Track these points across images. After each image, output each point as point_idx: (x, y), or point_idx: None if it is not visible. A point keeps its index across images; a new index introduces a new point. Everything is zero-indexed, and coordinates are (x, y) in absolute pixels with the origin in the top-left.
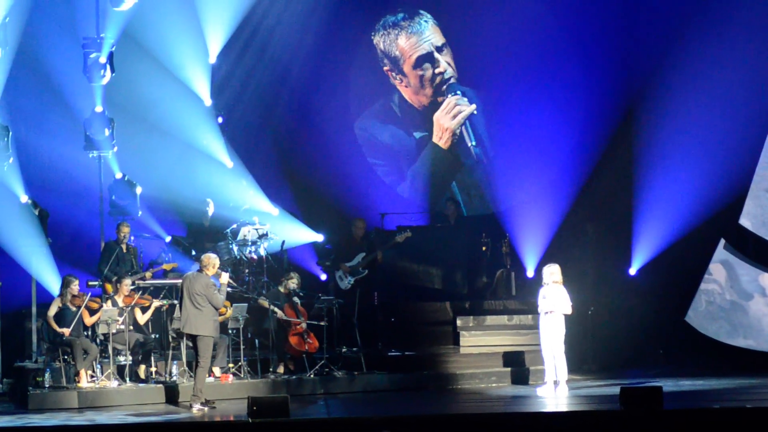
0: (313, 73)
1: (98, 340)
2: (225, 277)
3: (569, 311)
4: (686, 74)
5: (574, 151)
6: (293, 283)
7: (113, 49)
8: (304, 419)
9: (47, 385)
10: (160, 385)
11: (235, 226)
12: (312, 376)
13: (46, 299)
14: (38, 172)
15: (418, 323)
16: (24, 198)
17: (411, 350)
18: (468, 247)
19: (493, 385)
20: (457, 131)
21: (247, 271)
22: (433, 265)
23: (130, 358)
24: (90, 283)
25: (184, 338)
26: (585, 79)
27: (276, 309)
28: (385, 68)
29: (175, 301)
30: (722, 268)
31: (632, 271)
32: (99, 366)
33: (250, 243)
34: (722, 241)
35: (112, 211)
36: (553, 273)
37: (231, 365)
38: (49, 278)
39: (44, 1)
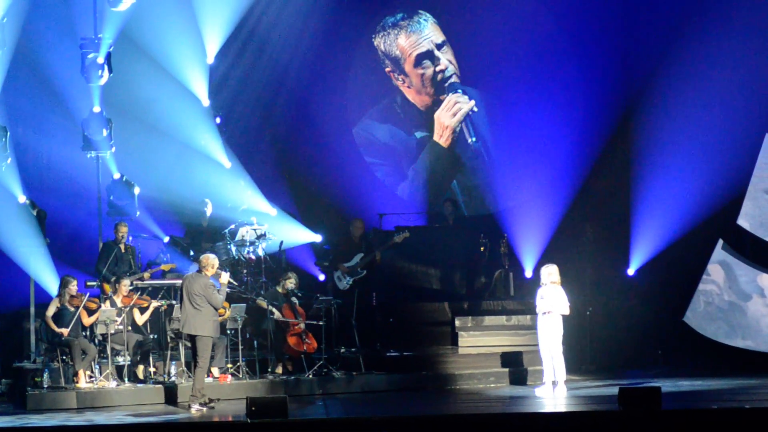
0: (311, 73)
1: (96, 341)
2: (225, 277)
3: (567, 312)
4: (685, 75)
5: (573, 151)
6: (291, 283)
7: (111, 49)
8: (302, 420)
9: (46, 386)
10: (159, 386)
11: (233, 226)
12: (310, 376)
13: (44, 299)
14: (36, 172)
15: (416, 324)
16: (22, 198)
17: (409, 351)
18: (466, 247)
19: (492, 385)
20: (457, 129)
21: (245, 271)
22: (431, 265)
23: (129, 358)
24: (88, 283)
25: (183, 338)
26: (584, 80)
27: (274, 309)
28: (387, 69)
29: (174, 302)
30: (720, 268)
31: (630, 271)
32: (97, 366)
33: (248, 243)
34: (720, 242)
35: (110, 211)
36: (551, 273)
37: (229, 366)
38: (48, 278)
39: (42, 2)
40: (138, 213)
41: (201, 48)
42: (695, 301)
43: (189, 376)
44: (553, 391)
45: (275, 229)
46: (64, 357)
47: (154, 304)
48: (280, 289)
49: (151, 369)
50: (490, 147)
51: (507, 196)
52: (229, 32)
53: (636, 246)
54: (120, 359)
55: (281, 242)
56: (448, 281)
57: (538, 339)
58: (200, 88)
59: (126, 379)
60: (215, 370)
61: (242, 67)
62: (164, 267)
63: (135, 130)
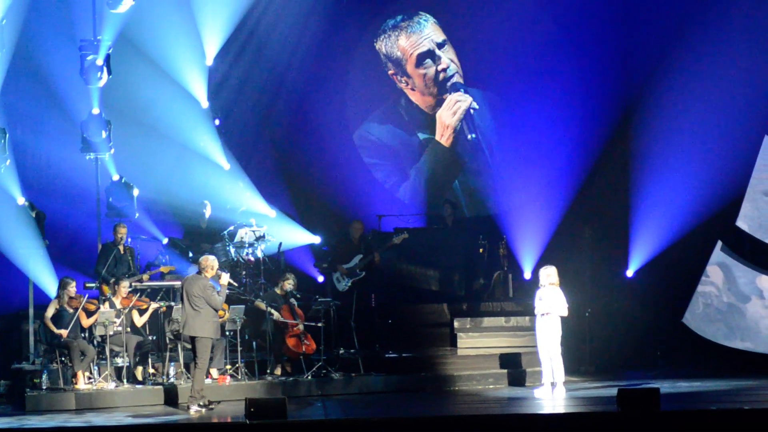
0: (310, 75)
1: (95, 342)
2: (225, 279)
3: (565, 313)
4: (684, 76)
5: (572, 152)
6: (289, 284)
7: (110, 51)
8: (301, 421)
9: (44, 387)
10: (158, 387)
11: (232, 228)
12: (309, 377)
13: (43, 301)
14: (35, 174)
15: (415, 325)
16: (21, 200)
17: (408, 352)
18: (465, 249)
19: (490, 386)
20: (458, 127)
21: (244, 273)
22: (430, 267)
23: (129, 360)
24: (87, 284)
25: (182, 340)
26: (583, 80)
27: (273, 311)
28: (390, 72)
29: (173, 303)
30: (719, 270)
31: (629, 273)
32: (96, 368)
33: (247, 245)
34: (719, 243)
35: (109, 213)
36: (549, 275)
37: (228, 367)
38: (47, 280)
39: (41, 4)
40: (137, 214)
41: (200, 50)
42: (694, 303)
43: (188, 378)
44: (552, 392)
45: (274, 230)
46: (63, 358)
47: (154, 306)
48: (278, 291)
49: (150, 370)
50: (493, 147)
51: (506, 197)
52: (228, 34)
53: (635, 247)
54: (119, 360)
55: (280, 244)
56: (447, 283)
57: (537, 340)
58: (199, 90)
59: (125, 381)
60: (214, 372)
61: (241, 69)
62: (163, 269)
63: (134, 132)
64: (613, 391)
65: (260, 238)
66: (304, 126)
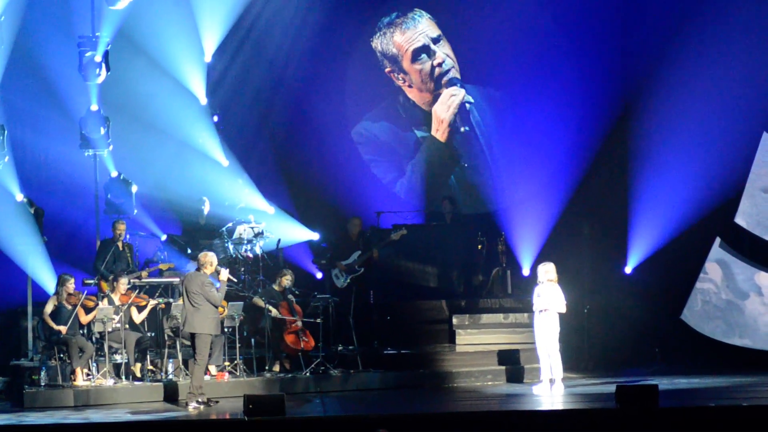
0: (309, 71)
1: (94, 339)
2: (225, 274)
3: (563, 310)
4: (682, 73)
5: (570, 149)
6: (287, 280)
7: (109, 47)
8: (299, 417)
9: (43, 384)
10: (156, 383)
11: (230, 224)
12: (308, 374)
13: (41, 298)
14: (34, 170)
15: (413, 321)
16: (19, 196)
17: (407, 348)
18: (464, 245)
19: (489, 383)
20: (452, 121)
21: (242, 269)
22: (429, 263)
23: (127, 356)
24: (86, 281)
25: (180, 336)
26: (581, 77)
27: (271, 308)
28: (387, 69)
29: (171, 300)
30: (718, 267)
31: (628, 269)
32: (95, 364)
33: (245, 241)
34: (718, 240)
35: (107, 209)
36: (548, 271)
37: (227, 363)
38: (45, 277)
39: (40, 0)
40: (135, 211)
41: (199, 46)
42: (693, 300)
43: (186, 374)
44: (550, 389)
45: (273, 227)
46: (62, 355)
47: (152, 302)
48: (276, 287)
49: (149, 367)
50: (492, 143)
51: (505, 194)
52: (226, 30)
53: (633, 244)
54: (117, 357)
55: (279, 240)
56: (446, 279)
57: (535, 337)
58: (198, 87)
59: (123, 377)
60: (213, 368)
61: (240, 66)
62: (162, 266)
63: (132, 129)
64: (612, 388)
65: (259, 235)
66: (302, 123)
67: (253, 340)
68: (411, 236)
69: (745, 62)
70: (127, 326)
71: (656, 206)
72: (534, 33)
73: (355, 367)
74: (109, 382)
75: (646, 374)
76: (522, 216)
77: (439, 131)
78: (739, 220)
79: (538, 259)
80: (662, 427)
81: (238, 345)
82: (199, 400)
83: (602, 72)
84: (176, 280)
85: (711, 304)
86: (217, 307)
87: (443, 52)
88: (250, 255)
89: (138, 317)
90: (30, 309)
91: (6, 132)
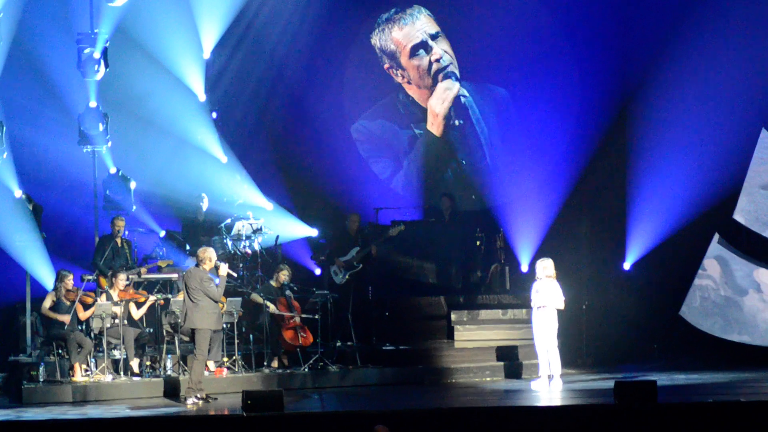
0: (308, 68)
1: (92, 334)
2: (224, 269)
3: (561, 306)
4: (681, 70)
5: (569, 146)
6: (284, 275)
7: (107, 44)
8: (298, 413)
9: (41, 379)
10: (155, 379)
11: (229, 220)
12: (306, 370)
13: (40, 294)
14: (32, 167)
15: (412, 318)
16: (18, 193)
17: (405, 344)
18: (462, 241)
19: (487, 379)
20: (447, 115)
21: (241, 265)
22: (427, 259)
23: (125, 352)
24: (85, 277)
25: (179, 332)
26: (580, 74)
27: (268, 303)
28: (386, 66)
29: (170, 296)
30: (716, 263)
31: (626, 266)
32: (93, 360)
33: (244, 238)
34: (716, 237)
35: (106, 205)
36: (546, 267)
37: (225, 359)
38: (44, 273)
39: None
40: (134, 207)
41: (197, 43)
42: (691, 296)
43: (184, 370)
44: (549, 385)
45: (271, 223)
46: (60, 351)
47: (151, 298)
48: (274, 283)
49: (147, 362)
50: (491, 140)
51: (503, 190)
52: (225, 27)
53: (632, 240)
54: (116, 353)
55: (277, 236)
56: (444, 275)
57: (534, 333)
58: (196, 83)
59: (122, 373)
60: (211, 364)
61: (238, 62)
62: (161, 262)
63: (131, 125)
64: (610, 384)
65: (257, 231)
66: (301, 119)
67: (251, 335)
68: (409, 232)
69: (744, 59)
70: (125, 322)
71: (655, 203)
72: (533, 30)
73: (354, 363)
74: (108, 377)
75: (645, 370)
76: (520, 212)
77: (434, 125)
78: (738, 216)
79: (537, 256)
80: (660, 422)
81: (236, 341)
82: (198, 395)
83: (601, 68)
84: (175, 276)
85: (709, 300)
86: (216, 302)
87: (441, 49)
88: (249, 251)
89: (136, 313)
90: (29, 305)
91: (5, 128)
